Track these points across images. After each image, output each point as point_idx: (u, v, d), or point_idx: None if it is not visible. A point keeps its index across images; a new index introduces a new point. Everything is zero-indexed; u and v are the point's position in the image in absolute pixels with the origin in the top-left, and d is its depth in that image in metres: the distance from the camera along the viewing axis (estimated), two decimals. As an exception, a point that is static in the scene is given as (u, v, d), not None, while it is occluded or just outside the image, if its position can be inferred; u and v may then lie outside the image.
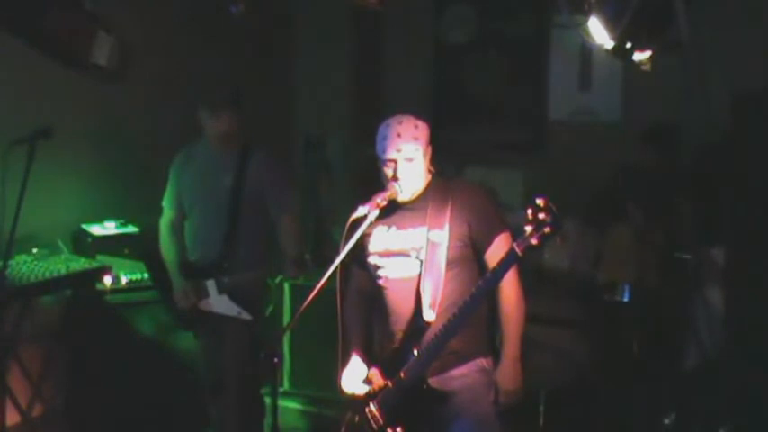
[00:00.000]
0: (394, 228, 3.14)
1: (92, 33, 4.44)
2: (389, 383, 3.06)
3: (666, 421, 4.10)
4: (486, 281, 2.91)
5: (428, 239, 3.04)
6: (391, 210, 3.12)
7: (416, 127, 3.06)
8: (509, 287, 3.08)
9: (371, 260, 3.18)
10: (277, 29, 6.07)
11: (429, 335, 3.00)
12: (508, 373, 3.10)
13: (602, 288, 4.54)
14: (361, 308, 3.30)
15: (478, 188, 3.31)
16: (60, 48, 4.39)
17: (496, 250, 3.01)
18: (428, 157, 3.13)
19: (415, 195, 3.12)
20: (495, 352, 3.20)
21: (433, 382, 3.04)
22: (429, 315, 3.00)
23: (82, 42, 4.45)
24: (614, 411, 4.24)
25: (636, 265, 4.41)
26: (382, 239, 3.15)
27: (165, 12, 5.16)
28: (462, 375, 3.10)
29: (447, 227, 3.05)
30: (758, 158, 3.64)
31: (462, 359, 3.10)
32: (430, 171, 3.17)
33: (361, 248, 3.15)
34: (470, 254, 3.11)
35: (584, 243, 4.74)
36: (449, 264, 3.04)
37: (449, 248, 3.04)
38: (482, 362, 3.14)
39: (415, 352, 3.00)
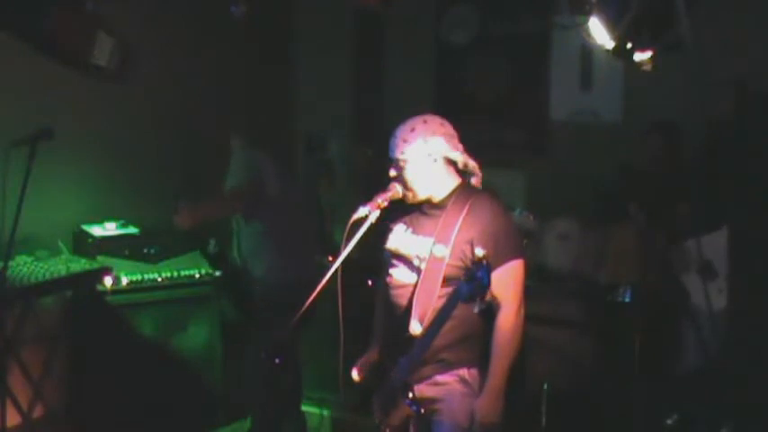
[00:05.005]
0: (410, 230, 3.07)
1: (92, 34, 4.43)
2: (384, 383, 3.07)
3: (668, 422, 4.09)
4: (439, 315, 2.85)
5: (431, 252, 2.94)
6: (415, 210, 3.07)
7: (412, 130, 2.95)
8: (505, 320, 2.97)
9: (386, 255, 3.13)
10: (278, 29, 6.07)
11: (415, 345, 2.93)
12: (487, 405, 2.98)
13: (604, 289, 4.53)
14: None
15: (496, 208, 3.02)
16: (60, 48, 4.38)
17: (497, 280, 2.83)
18: (438, 160, 2.98)
19: (437, 199, 3.02)
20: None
21: (419, 389, 3.00)
22: (415, 327, 2.92)
23: (82, 43, 4.44)
24: (615, 411, 4.23)
25: (638, 265, 4.39)
26: (398, 239, 3.09)
27: (165, 12, 5.15)
28: (443, 383, 3.03)
29: (451, 243, 2.92)
30: (759, 156, 3.65)
31: (446, 368, 3.02)
32: (460, 175, 3.05)
33: (383, 241, 3.12)
34: None
35: (585, 244, 4.74)
36: (445, 280, 2.92)
37: (447, 266, 2.92)
38: (464, 372, 3.03)
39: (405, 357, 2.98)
